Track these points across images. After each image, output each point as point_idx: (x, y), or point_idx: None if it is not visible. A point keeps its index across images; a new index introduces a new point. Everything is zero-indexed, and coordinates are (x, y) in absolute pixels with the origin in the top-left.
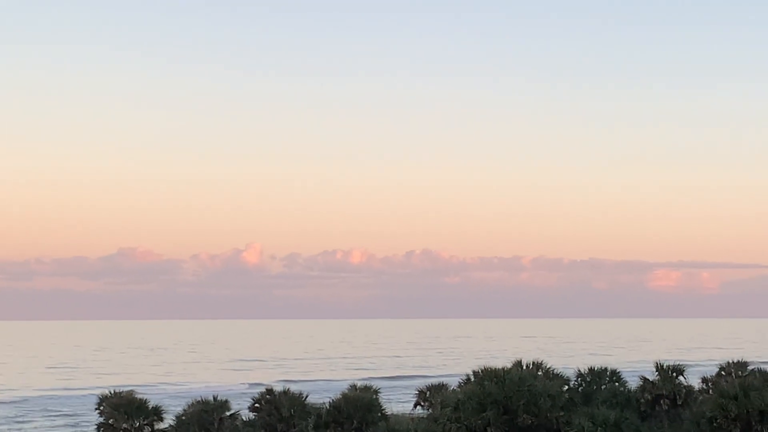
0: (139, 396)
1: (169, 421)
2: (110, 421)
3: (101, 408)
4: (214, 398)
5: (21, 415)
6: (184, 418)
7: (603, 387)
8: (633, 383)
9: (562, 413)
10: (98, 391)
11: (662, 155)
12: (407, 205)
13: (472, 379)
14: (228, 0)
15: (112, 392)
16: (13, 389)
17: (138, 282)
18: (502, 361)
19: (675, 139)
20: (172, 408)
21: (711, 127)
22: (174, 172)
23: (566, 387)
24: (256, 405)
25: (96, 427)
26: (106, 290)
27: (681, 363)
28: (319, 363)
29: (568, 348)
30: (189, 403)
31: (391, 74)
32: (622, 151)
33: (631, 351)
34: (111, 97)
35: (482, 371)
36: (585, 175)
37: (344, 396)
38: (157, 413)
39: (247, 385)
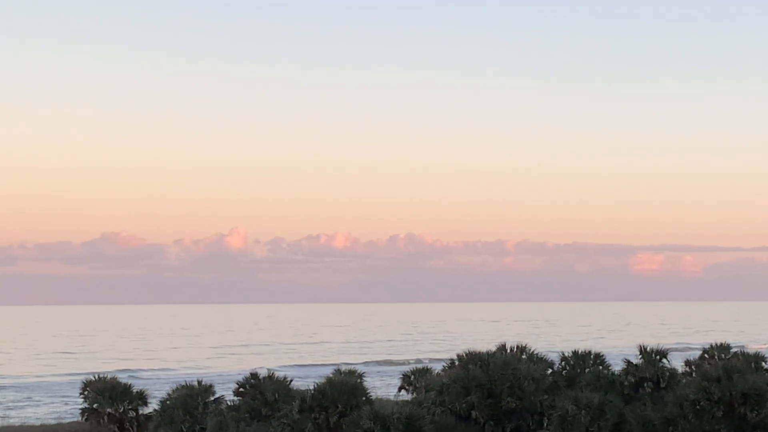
0: (123, 381)
1: (153, 405)
2: (94, 406)
3: (85, 393)
4: (199, 383)
5: (19, 400)
6: (168, 402)
7: (587, 370)
8: (617, 366)
9: (546, 396)
10: (84, 377)
11: (645, 141)
12: (391, 189)
13: (457, 363)
14: None
15: (97, 377)
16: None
17: (122, 267)
18: (486, 344)
19: (657, 125)
20: (160, 393)
21: (693, 114)
22: (157, 156)
23: (550, 370)
24: (241, 389)
25: (80, 411)
26: (90, 275)
27: (664, 346)
28: (307, 348)
29: (553, 331)
30: (173, 388)
31: (371, 59)
32: (604, 137)
33: (615, 334)
34: (93, 82)
35: (467, 355)
36: (568, 160)
37: (329, 380)
38: (141, 398)
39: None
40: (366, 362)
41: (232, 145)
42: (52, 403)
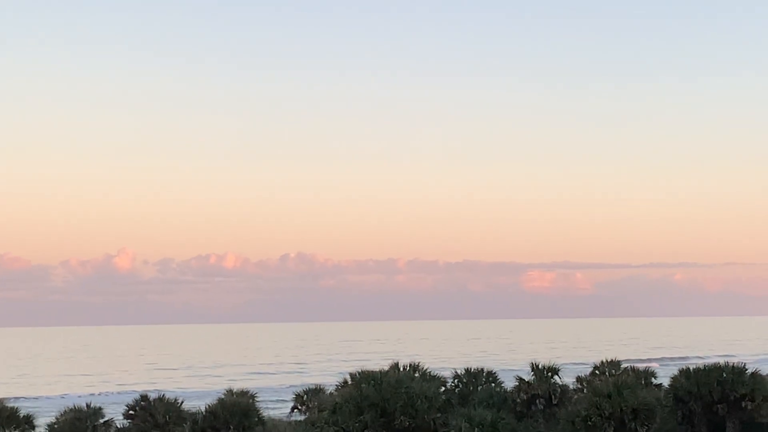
0: (10, 405)
1: (41, 429)
2: None
3: None
4: (88, 405)
5: None
6: (56, 426)
7: (479, 388)
8: (509, 384)
9: (439, 415)
10: None
11: (534, 159)
12: (282, 208)
13: (350, 381)
14: None
15: None
16: None
17: (6, 289)
18: (379, 363)
19: (548, 143)
20: (47, 417)
21: (581, 131)
22: (42, 174)
23: (443, 388)
24: (131, 412)
25: None
26: None
27: (556, 363)
28: (194, 370)
29: (446, 349)
30: (62, 411)
31: (257, 71)
32: (493, 155)
33: (508, 352)
34: None
35: (359, 374)
36: (457, 177)
37: (220, 401)
38: (28, 422)
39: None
40: (257, 380)
41: (118, 163)
42: None
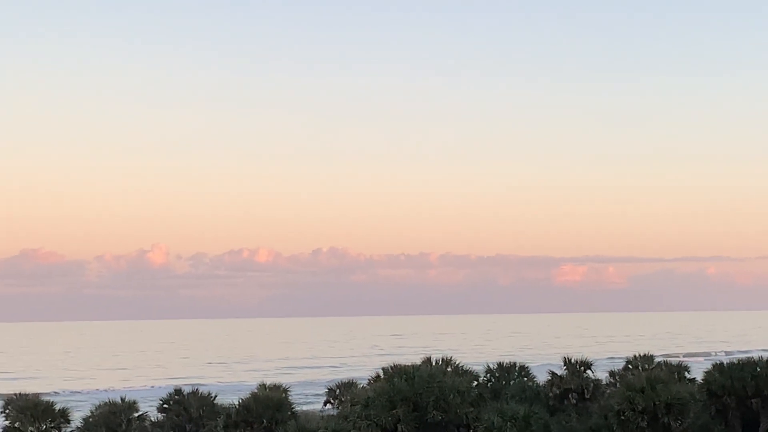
0: (45, 398)
1: (76, 423)
2: (16, 425)
3: (7, 411)
4: (122, 399)
5: None
6: (91, 420)
7: (512, 382)
8: (542, 378)
9: (471, 409)
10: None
11: (565, 152)
12: (313, 202)
13: (382, 376)
14: None
15: (18, 395)
16: None
17: (40, 284)
18: (411, 357)
19: (579, 136)
20: (82, 411)
21: (614, 126)
22: (78, 171)
23: (475, 383)
24: (165, 405)
25: (2, 430)
26: (9, 292)
27: (589, 357)
28: (227, 364)
29: (478, 344)
30: (96, 405)
31: (281, 70)
32: (525, 148)
33: (540, 346)
34: (9, 94)
35: (392, 368)
36: (489, 172)
37: (253, 395)
38: (63, 416)
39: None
40: (292, 374)
41: (154, 159)
42: None
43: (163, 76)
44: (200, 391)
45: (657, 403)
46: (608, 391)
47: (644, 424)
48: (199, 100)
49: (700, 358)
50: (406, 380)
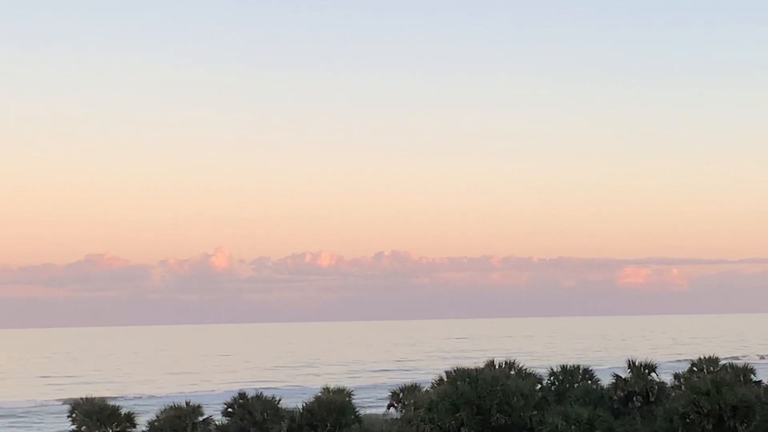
0: (111, 402)
1: (142, 427)
2: (82, 429)
3: (74, 416)
4: (187, 403)
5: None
6: (156, 423)
7: (576, 385)
8: (606, 381)
9: (535, 412)
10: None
11: (628, 153)
12: (376, 206)
13: (445, 379)
14: None
15: (84, 399)
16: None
17: (106, 288)
18: (474, 361)
19: (640, 137)
20: (148, 415)
21: (675, 125)
22: (141, 177)
23: (539, 386)
24: (229, 409)
25: None
26: (73, 297)
27: (653, 359)
28: (291, 368)
29: (541, 346)
30: (161, 409)
31: (344, 70)
32: (588, 149)
33: (603, 348)
34: (73, 100)
35: (455, 371)
36: (552, 173)
37: (317, 399)
38: (129, 419)
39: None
40: (352, 373)
41: (216, 164)
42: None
43: (224, 80)
44: (264, 395)
45: (722, 405)
46: (673, 393)
47: (710, 427)
48: (262, 104)
49: (766, 361)
50: (469, 383)
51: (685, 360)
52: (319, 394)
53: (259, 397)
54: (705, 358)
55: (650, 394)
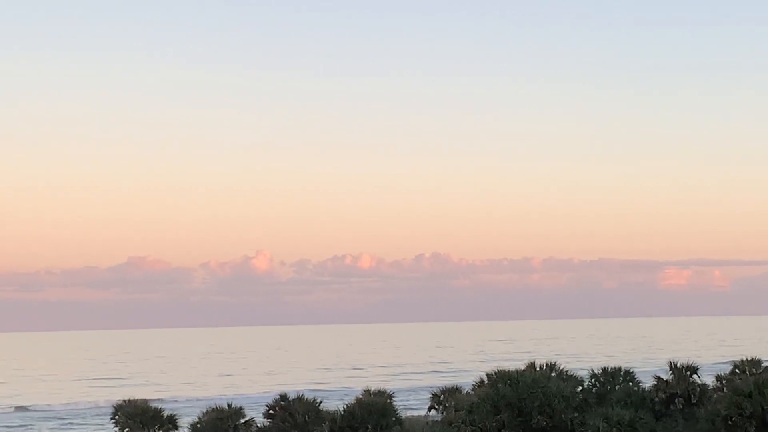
0: (154, 405)
1: (184, 429)
2: (125, 431)
3: (116, 418)
4: (229, 405)
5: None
6: (199, 426)
7: (617, 387)
8: (647, 383)
9: (576, 414)
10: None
11: (667, 153)
12: (416, 208)
13: (486, 381)
14: None
15: (127, 401)
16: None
17: (147, 291)
18: (514, 362)
19: (679, 137)
20: (190, 417)
21: (717, 124)
22: (182, 179)
23: (580, 388)
24: (270, 411)
25: None
26: (116, 300)
27: (695, 361)
28: (332, 370)
29: (581, 348)
30: (204, 411)
31: (391, 72)
32: (626, 150)
33: (646, 350)
34: (114, 103)
35: (495, 373)
36: (592, 174)
37: (358, 401)
38: (172, 422)
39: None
40: (393, 375)
41: (257, 166)
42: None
43: (261, 78)
44: (305, 397)
45: (765, 408)
46: (715, 395)
47: (752, 429)
48: (299, 104)
49: None
50: (510, 385)
51: (727, 362)
52: (360, 396)
53: (300, 399)
54: (747, 359)
55: (692, 396)
